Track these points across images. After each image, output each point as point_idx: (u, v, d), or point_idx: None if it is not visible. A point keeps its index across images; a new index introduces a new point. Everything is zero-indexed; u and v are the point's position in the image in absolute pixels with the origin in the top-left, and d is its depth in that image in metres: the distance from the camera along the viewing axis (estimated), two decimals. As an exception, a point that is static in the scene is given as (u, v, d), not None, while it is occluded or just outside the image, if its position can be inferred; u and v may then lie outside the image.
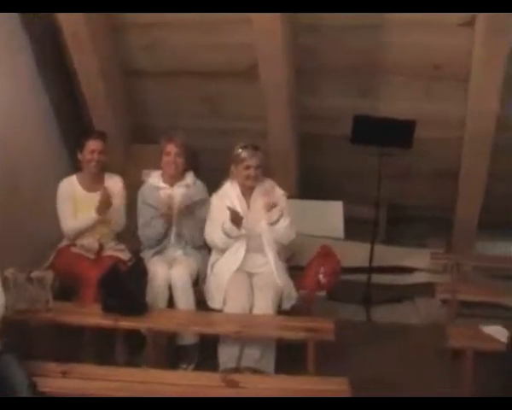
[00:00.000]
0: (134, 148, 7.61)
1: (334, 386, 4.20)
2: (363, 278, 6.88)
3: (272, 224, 5.56)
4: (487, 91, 6.22)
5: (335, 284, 6.02)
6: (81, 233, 5.88)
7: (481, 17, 5.81)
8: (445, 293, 6.33)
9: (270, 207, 5.50)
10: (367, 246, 6.88)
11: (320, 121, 7.17)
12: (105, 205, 5.80)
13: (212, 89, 7.23)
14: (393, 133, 6.49)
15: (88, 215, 5.84)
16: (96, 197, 5.82)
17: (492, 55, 5.96)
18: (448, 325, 5.37)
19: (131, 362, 5.31)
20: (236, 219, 5.48)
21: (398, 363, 5.66)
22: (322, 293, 5.95)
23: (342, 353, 5.55)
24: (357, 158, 7.09)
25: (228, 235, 5.55)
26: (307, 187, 7.53)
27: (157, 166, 6.01)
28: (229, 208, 5.49)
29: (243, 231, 5.55)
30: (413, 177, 7.52)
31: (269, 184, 5.77)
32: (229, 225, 5.49)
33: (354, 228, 7.35)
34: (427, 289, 6.84)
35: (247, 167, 5.59)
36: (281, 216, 5.56)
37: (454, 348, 5.06)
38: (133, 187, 6.16)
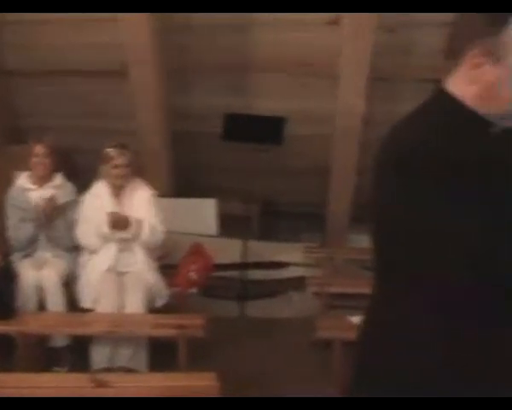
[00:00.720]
0: (6, 149, 7.46)
1: (202, 382, 4.20)
2: (237, 274, 6.93)
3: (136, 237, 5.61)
4: (354, 89, 6.35)
5: (209, 281, 6.07)
6: None
7: (346, 16, 5.94)
8: (317, 286, 6.45)
9: (125, 225, 5.56)
10: (241, 242, 6.94)
11: (193, 119, 7.18)
12: None
13: (84, 88, 7.14)
14: (264, 130, 6.58)
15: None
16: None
17: (358, 54, 6.10)
18: (318, 318, 5.47)
19: (3, 367, 5.21)
20: (120, 223, 5.49)
21: (272, 357, 5.74)
22: (194, 290, 5.99)
23: (217, 349, 5.59)
24: (230, 155, 7.12)
25: (104, 238, 5.54)
26: (182, 185, 7.52)
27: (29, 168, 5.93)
28: (111, 213, 5.49)
29: (124, 234, 5.55)
30: (287, 173, 7.59)
31: (138, 183, 5.77)
32: (106, 229, 5.49)
33: (230, 225, 7.38)
34: (300, 283, 6.95)
35: (116, 166, 5.58)
36: (140, 228, 5.60)
37: (325, 340, 5.16)
38: (5, 188, 6.05)
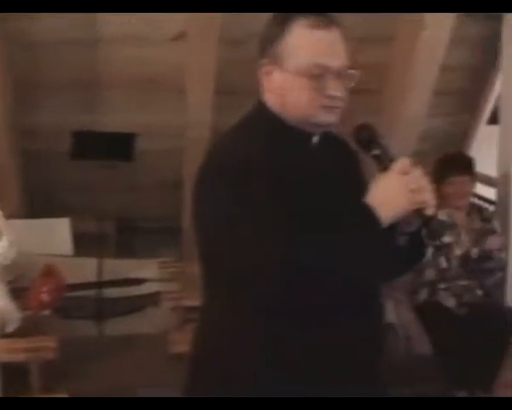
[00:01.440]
0: None
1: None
2: (94, 293, 6.86)
3: None
4: (201, 102, 6.45)
5: (65, 302, 5.99)
6: None
7: (190, 31, 6.03)
8: (171, 300, 6.46)
9: None
10: (97, 260, 6.86)
11: (41, 137, 7.05)
12: None
13: None
14: (113, 147, 6.53)
15: None
16: None
17: (203, 68, 6.21)
18: (171, 332, 5.50)
19: None
20: None
21: (130, 373, 5.72)
22: (47, 312, 5.91)
23: (75, 370, 5.52)
24: (82, 173, 7.02)
25: None
26: (34, 205, 7.39)
27: None
28: None
29: None
30: (141, 188, 7.58)
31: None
32: None
33: (86, 243, 7.31)
34: (157, 299, 6.95)
35: (-42, 190, 5.48)
36: None
37: (179, 354, 5.18)
38: None
